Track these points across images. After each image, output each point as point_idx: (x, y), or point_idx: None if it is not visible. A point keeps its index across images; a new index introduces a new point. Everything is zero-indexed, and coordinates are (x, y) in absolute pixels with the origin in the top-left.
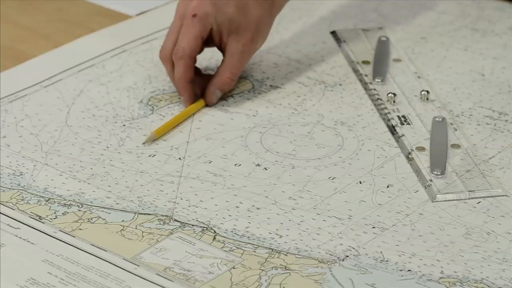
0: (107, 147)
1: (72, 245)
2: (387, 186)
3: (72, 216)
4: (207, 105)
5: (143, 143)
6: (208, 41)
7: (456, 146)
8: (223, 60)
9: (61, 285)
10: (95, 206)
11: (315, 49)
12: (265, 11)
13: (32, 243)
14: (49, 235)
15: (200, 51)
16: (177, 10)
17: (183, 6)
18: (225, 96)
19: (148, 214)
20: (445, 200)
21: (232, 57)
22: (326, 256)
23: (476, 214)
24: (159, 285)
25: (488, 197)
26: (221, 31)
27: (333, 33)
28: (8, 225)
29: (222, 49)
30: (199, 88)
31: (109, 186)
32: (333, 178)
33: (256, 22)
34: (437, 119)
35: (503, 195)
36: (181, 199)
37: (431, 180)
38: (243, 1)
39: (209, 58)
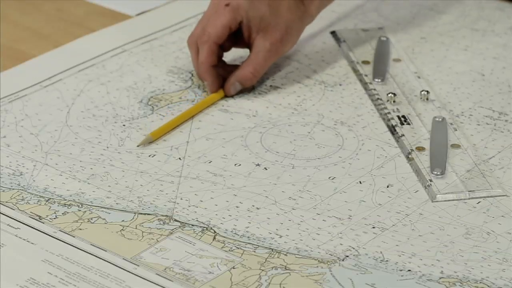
0: (107, 147)
1: (72, 245)
2: (387, 186)
3: (72, 216)
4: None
5: (137, 145)
6: (237, 39)
7: (456, 146)
8: (248, 56)
9: (61, 285)
10: (95, 206)
11: (315, 49)
12: (296, 17)
13: (32, 243)
14: (49, 235)
15: (228, 47)
16: (212, 0)
17: None
18: (227, 96)
19: (148, 214)
20: (445, 200)
21: (258, 54)
22: (326, 256)
23: (476, 214)
24: (159, 285)
25: (488, 197)
26: (250, 26)
27: (333, 33)
28: (8, 225)
29: (249, 45)
30: (221, 79)
31: (109, 186)
32: (333, 178)
33: (286, 24)
34: (437, 119)
35: (503, 195)
36: (181, 199)
37: (431, 180)
38: (276, 3)
39: None
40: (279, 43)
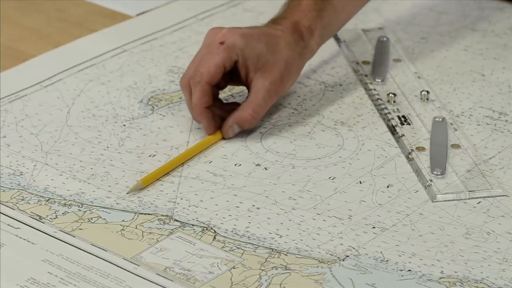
0: (107, 147)
1: (72, 245)
2: (387, 186)
3: (72, 216)
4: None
5: (127, 193)
6: (234, 77)
7: (456, 146)
8: (247, 97)
9: (61, 285)
10: (95, 206)
11: None
12: (296, 53)
13: (32, 243)
14: (49, 235)
15: (224, 85)
16: (206, 38)
17: (212, 34)
18: (226, 96)
19: (148, 214)
20: (445, 200)
21: (257, 94)
22: (326, 256)
23: (476, 214)
24: (159, 285)
25: (488, 197)
26: (247, 66)
27: None
28: (8, 225)
29: (247, 84)
30: (218, 119)
31: (109, 186)
32: (333, 178)
33: (285, 62)
34: (437, 119)
35: (503, 195)
36: (181, 199)
37: (431, 180)
38: (274, 40)
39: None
40: (279, 81)
